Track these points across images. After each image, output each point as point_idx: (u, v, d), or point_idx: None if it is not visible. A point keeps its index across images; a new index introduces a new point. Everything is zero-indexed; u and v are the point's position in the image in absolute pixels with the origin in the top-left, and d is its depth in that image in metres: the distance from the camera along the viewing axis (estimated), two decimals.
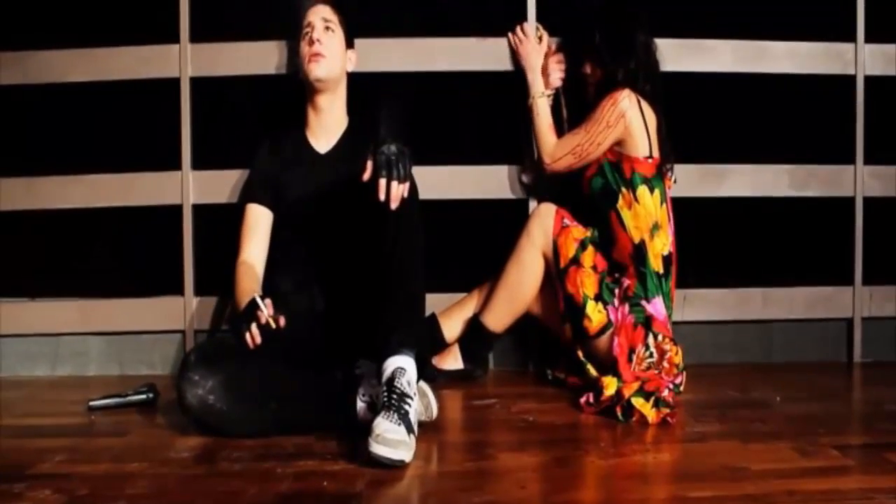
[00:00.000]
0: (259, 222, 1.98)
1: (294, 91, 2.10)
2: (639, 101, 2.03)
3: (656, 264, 2.02)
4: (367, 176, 1.58)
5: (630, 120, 2.01)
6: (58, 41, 2.22)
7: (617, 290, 1.99)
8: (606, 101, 2.02)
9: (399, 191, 1.57)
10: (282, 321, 1.65)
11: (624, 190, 2.03)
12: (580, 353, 1.97)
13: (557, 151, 2.11)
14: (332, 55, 1.98)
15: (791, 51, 2.34)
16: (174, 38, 2.22)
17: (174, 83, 2.22)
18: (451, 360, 2.12)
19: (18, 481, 1.36)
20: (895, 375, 2.23)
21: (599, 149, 2.05)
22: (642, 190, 2.02)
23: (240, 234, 1.99)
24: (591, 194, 2.10)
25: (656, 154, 2.04)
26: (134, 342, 2.26)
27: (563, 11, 2.26)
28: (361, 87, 2.10)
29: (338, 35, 2.02)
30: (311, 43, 1.96)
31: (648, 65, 2.09)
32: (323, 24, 1.99)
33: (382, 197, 1.56)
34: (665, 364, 1.91)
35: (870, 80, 2.36)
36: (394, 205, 1.56)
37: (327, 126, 2.03)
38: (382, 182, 1.56)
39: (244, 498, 1.29)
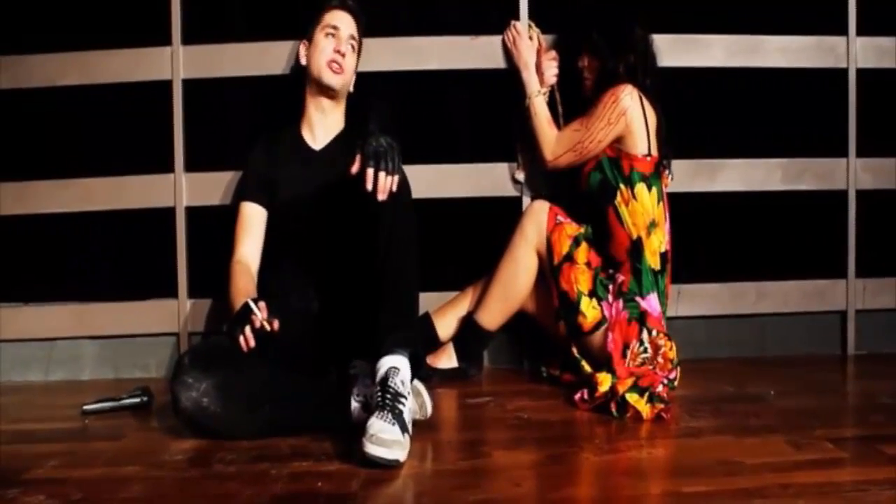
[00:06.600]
0: (253, 221, 1.98)
1: (287, 91, 2.10)
2: (640, 98, 2.02)
3: (653, 261, 2.01)
4: (355, 168, 1.57)
5: (631, 117, 2.00)
6: (49, 45, 2.21)
7: (611, 286, 1.98)
8: (608, 98, 2.01)
9: (387, 182, 1.56)
10: (276, 324, 1.65)
11: (622, 186, 2.03)
12: (574, 350, 1.96)
13: (558, 148, 2.10)
14: (348, 72, 2.02)
15: (783, 45, 2.34)
16: (166, 40, 2.21)
17: (166, 85, 2.22)
18: (446, 359, 2.12)
19: (12, 487, 1.36)
20: (889, 367, 2.24)
21: (600, 146, 2.04)
22: (640, 187, 2.02)
23: (234, 232, 1.98)
24: (589, 190, 2.09)
25: (655, 152, 2.04)
26: (128, 345, 2.25)
27: (555, 9, 2.26)
28: (356, 86, 2.09)
29: (356, 55, 2.06)
30: (337, 51, 1.98)
31: (647, 59, 2.09)
32: (349, 40, 2.02)
33: (369, 187, 1.54)
34: (659, 359, 1.91)
35: (862, 73, 2.36)
36: (381, 196, 1.55)
37: (325, 125, 2.04)
38: (370, 171, 1.55)
39: (239, 500, 1.29)
